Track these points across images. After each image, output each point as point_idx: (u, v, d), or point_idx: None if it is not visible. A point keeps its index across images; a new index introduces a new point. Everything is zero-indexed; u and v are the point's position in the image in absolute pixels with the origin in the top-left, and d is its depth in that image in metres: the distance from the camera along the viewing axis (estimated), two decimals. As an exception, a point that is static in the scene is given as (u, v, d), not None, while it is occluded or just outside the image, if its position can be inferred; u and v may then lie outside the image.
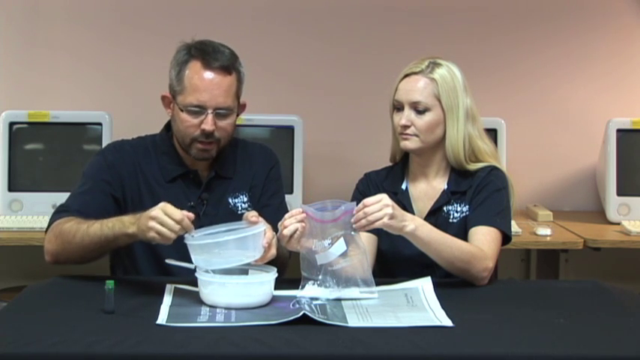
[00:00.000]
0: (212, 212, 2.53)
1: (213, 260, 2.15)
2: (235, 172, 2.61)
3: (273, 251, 2.24)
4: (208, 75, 2.46)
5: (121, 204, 2.51)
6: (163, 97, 2.56)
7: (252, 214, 2.25)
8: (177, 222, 2.15)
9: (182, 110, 2.47)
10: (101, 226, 2.31)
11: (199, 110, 2.46)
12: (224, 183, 2.59)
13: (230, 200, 2.58)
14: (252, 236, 2.19)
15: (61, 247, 2.38)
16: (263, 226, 2.22)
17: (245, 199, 2.60)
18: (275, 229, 2.27)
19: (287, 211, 2.50)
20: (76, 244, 2.35)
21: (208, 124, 2.45)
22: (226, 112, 2.48)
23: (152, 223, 2.17)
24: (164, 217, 2.16)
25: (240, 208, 2.58)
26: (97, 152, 2.64)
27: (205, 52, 2.48)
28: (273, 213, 2.46)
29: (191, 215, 2.18)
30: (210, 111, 2.45)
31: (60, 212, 2.46)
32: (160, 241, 2.18)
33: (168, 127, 2.61)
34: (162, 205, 2.19)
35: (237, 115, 2.56)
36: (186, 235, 2.16)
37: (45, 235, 2.44)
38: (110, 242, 2.32)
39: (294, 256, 2.32)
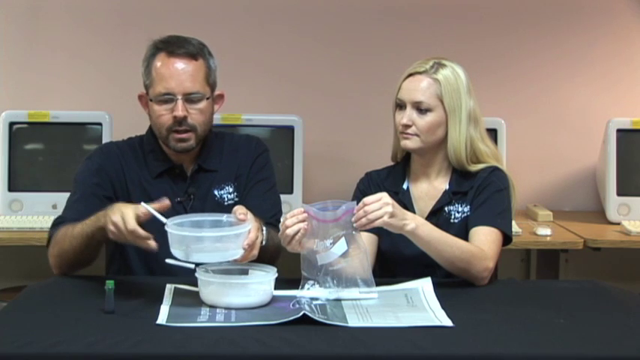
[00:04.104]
0: (199, 207, 2.54)
1: (192, 254, 2.12)
2: (221, 165, 2.62)
3: (255, 252, 2.20)
4: (173, 62, 2.50)
5: (117, 200, 2.51)
6: (140, 97, 2.59)
7: (240, 211, 2.22)
8: (130, 232, 2.13)
9: (153, 101, 2.50)
10: (82, 225, 2.33)
11: (169, 98, 2.49)
12: (209, 176, 2.60)
13: (216, 192, 2.59)
14: (235, 236, 2.15)
15: (58, 257, 2.41)
16: (248, 226, 2.18)
17: (231, 190, 2.60)
18: (258, 215, 2.26)
19: (275, 200, 2.52)
20: (67, 250, 2.38)
21: (179, 109, 2.48)
22: (197, 96, 2.50)
23: (111, 227, 2.17)
24: (121, 226, 2.15)
25: (226, 200, 2.59)
26: (86, 157, 2.65)
27: (170, 44, 2.52)
28: (256, 199, 2.48)
29: (146, 213, 2.15)
30: (179, 97, 2.48)
31: (57, 225, 2.48)
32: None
33: None
34: (124, 211, 2.16)
35: (215, 104, 2.57)
36: (166, 222, 2.14)
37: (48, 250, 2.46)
38: (90, 239, 2.32)
39: (295, 256, 2.31)
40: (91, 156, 2.64)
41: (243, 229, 2.17)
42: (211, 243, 2.13)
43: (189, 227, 2.17)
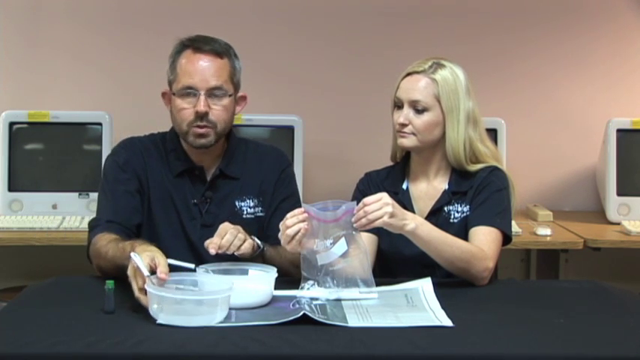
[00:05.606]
0: (215, 211, 2.54)
1: (160, 315, 1.98)
2: (243, 174, 2.60)
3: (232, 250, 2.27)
4: (199, 58, 2.49)
5: (142, 194, 2.54)
6: (163, 94, 2.58)
7: (210, 245, 2.25)
8: (137, 289, 2.07)
9: (175, 95, 2.50)
10: (113, 254, 2.30)
11: (192, 92, 2.48)
12: (231, 183, 2.58)
13: (236, 203, 2.57)
14: (212, 300, 2.00)
15: (97, 268, 2.40)
16: (227, 292, 2.02)
17: (252, 204, 2.58)
18: None
19: None
20: (103, 267, 2.36)
21: (201, 104, 2.46)
22: (220, 92, 2.49)
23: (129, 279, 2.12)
24: (132, 281, 2.09)
25: (245, 212, 2.57)
26: (111, 152, 2.65)
27: (197, 41, 2.52)
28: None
29: (163, 277, 2.05)
30: (202, 92, 2.47)
31: (94, 228, 2.47)
32: None
33: None
34: (133, 271, 2.09)
35: (237, 104, 2.56)
36: (148, 275, 2.04)
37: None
38: (122, 268, 2.19)
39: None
40: (115, 152, 2.62)
41: (222, 293, 2.01)
42: (190, 304, 2.00)
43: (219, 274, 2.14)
